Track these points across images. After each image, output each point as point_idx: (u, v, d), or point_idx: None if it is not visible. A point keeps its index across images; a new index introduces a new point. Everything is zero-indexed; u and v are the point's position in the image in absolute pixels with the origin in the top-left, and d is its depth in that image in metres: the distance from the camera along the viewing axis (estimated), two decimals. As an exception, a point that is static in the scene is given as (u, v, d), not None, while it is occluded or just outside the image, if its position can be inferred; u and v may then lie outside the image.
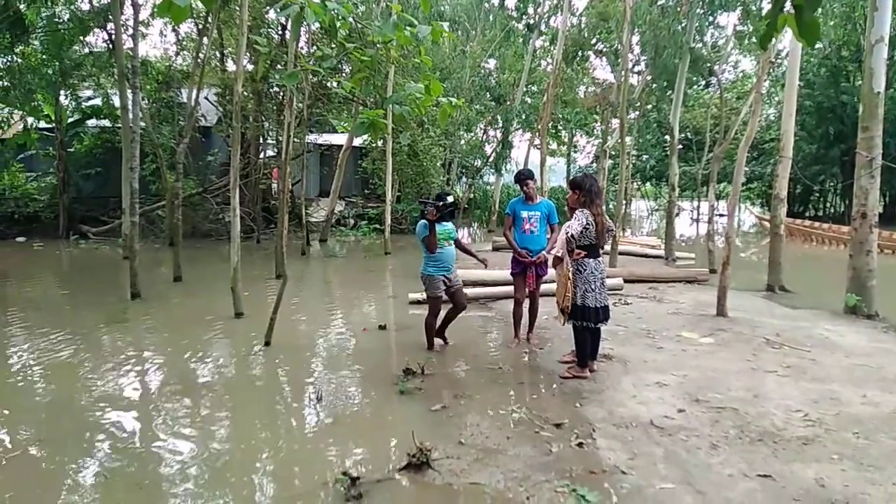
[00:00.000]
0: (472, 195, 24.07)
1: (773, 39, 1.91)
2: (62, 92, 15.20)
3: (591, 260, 4.95)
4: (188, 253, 11.23)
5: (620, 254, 11.44)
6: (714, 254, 11.34)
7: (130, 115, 9.04)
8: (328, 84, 14.04)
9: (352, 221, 18.53)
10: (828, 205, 27.09)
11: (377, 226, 16.65)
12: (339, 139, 18.89)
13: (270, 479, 3.62)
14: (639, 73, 21.34)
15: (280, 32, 13.96)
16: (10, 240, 14.06)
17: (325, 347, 6.39)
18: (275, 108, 14.66)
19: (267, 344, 6.17)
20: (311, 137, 17.61)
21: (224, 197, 14.66)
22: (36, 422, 4.44)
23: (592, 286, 4.92)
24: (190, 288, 9.38)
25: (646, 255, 13.02)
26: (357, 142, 16.94)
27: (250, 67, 13.35)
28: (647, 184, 33.68)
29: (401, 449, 3.71)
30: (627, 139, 22.89)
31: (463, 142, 23.79)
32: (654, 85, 20.01)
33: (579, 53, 22.60)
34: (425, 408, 4.47)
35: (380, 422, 4.37)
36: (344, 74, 14.39)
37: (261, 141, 15.99)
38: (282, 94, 14.20)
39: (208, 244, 13.95)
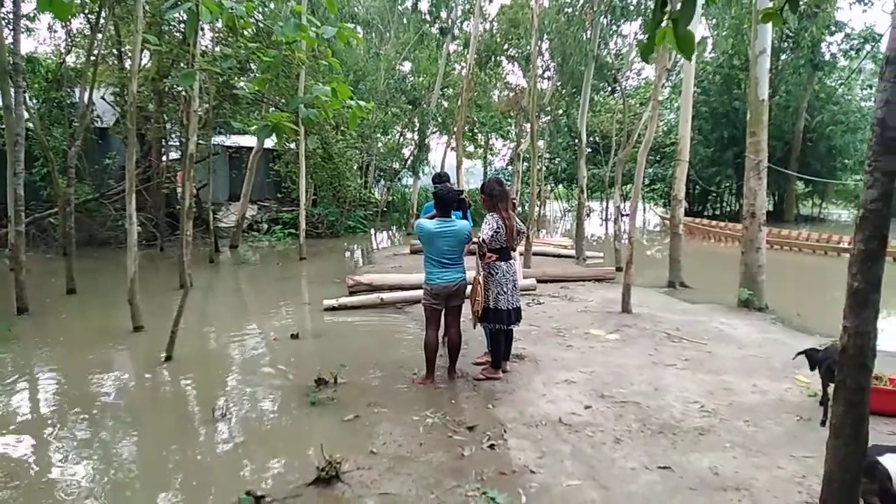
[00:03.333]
0: (390, 198, 23.97)
1: (655, 51, 1.99)
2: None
3: (503, 263, 5.02)
4: (84, 263, 10.48)
5: (535, 254, 11.73)
6: (620, 252, 11.86)
7: (14, 116, 8.31)
8: (234, 84, 13.53)
9: (265, 226, 17.95)
10: (724, 204, 29.05)
11: (292, 230, 16.22)
12: (249, 141, 18.27)
13: (174, 501, 3.42)
14: (549, 78, 22.01)
15: (182, 30, 13.32)
16: None
17: (234, 360, 6.13)
18: (178, 108, 13.96)
19: (168, 358, 5.84)
20: (219, 139, 16.92)
21: (123, 203, 13.79)
22: None
23: (504, 289, 5.00)
24: (85, 301, 8.74)
25: (559, 256, 13.43)
26: (268, 144, 16.44)
27: (149, 65, 12.65)
28: (560, 186, 34.83)
29: (307, 464, 3.60)
30: (540, 143, 23.60)
31: (380, 144, 23.67)
32: (564, 90, 20.71)
33: (492, 58, 23.06)
34: (337, 418, 4.37)
35: (290, 436, 4.24)
36: (253, 75, 13.94)
37: (163, 143, 15.17)
38: (186, 93, 13.56)
39: (106, 253, 13.07)
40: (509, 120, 26.70)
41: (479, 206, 5.56)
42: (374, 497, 3.28)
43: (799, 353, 4.54)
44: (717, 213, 28.01)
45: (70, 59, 15.34)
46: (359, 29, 20.22)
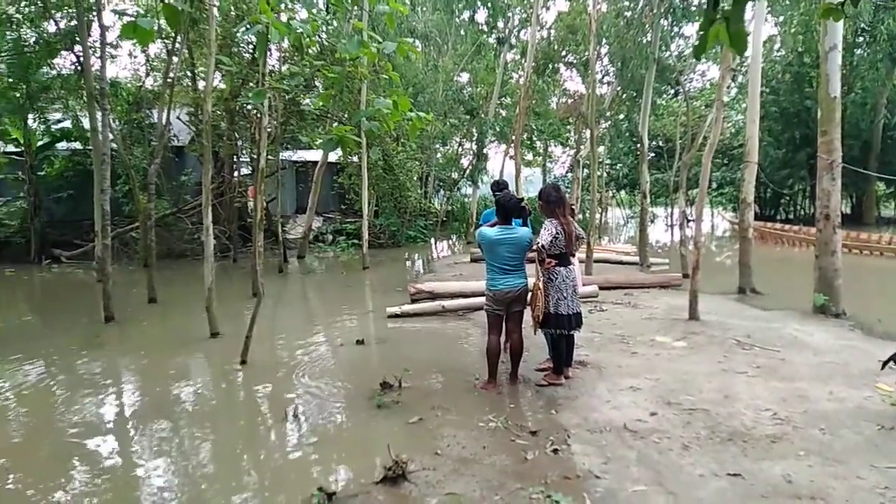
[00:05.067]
0: (449, 208, 24.19)
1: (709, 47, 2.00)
2: (30, 115, 15.00)
3: (562, 268, 5.03)
4: (163, 274, 11.11)
5: (596, 261, 11.58)
6: (687, 259, 11.52)
7: (101, 137, 8.96)
8: (301, 101, 14.05)
9: (330, 237, 18.49)
10: (798, 207, 27.70)
11: (355, 241, 16.63)
12: (315, 155, 18.89)
13: (249, 497, 3.60)
14: (608, 83, 21.70)
15: (251, 51, 13.99)
16: (-21, 266, 13.79)
17: (303, 364, 6.34)
18: (248, 126, 14.63)
19: (243, 363, 6.14)
20: (286, 154, 17.58)
21: (199, 217, 14.53)
22: (12, 450, 4.36)
23: (564, 294, 4.99)
24: (165, 309, 9.28)
25: (621, 262, 13.20)
26: (332, 157, 16.96)
27: (222, 86, 13.32)
28: (622, 192, 34.15)
29: (375, 463, 3.72)
30: (600, 148, 23.29)
31: (439, 155, 23.95)
32: (624, 94, 20.37)
33: (550, 65, 22.94)
34: (402, 421, 4.48)
35: (357, 437, 4.38)
36: (316, 91, 14.44)
37: (235, 159, 15.91)
38: (255, 112, 14.20)
39: (183, 264, 13.80)
40: (568, 127, 26.48)
41: (538, 214, 5.58)
42: (439, 496, 3.35)
43: (888, 360, 4.33)
44: (791, 216, 26.74)
45: (148, 83, 16.37)
46: (417, 42, 20.60)
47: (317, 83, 12.73)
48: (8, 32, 13.01)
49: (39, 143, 15.80)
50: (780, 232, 19.00)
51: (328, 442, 4.31)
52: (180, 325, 8.11)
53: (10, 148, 15.73)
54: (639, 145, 16.95)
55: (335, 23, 14.38)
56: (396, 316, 8.29)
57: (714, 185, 26.70)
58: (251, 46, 12.92)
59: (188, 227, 15.04)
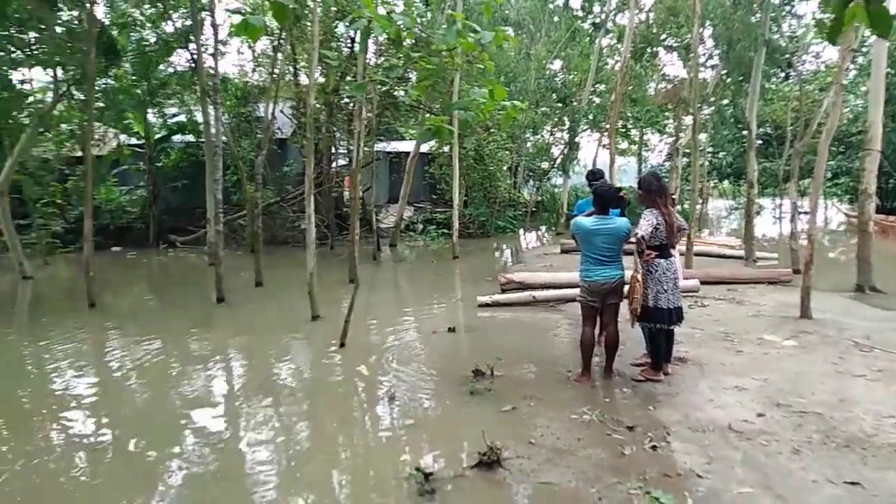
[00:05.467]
0: (539, 198, 23.91)
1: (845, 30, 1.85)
2: (150, 110, 16.27)
3: (663, 260, 4.86)
4: (267, 259, 11.74)
5: (697, 255, 11.07)
6: (797, 253, 10.77)
7: (213, 130, 9.59)
8: (395, 93, 14.35)
9: (420, 226, 18.82)
10: (926, 200, 25.07)
11: (445, 230, 16.83)
12: (407, 146, 19.25)
13: (347, 473, 3.79)
14: (712, 67, 20.55)
15: (349, 45, 14.43)
16: (106, 250, 15.11)
17: (397, 349, 6.53)
18: (345, 118, 15.13)
19: (342, 346, 6.41)
20: (380, 145, 18.03)
21: (300, 206, 15.24)
22: (131, 418, 4.81)
23: (664, 287, 4.83)
24: (270, 292, 9.83)
25: (724, 256, 12.53)
26: (424, 148, 17.21)
27: (322, 80, 13.84)
28: (725, 182, 32.25)
29: (471, 448, 3.78)
30: (702, 136, 22.12)
31: (529, 144, 23.68)
32: (729, 79, 19.22)
33: (648, 50, 22.03)
34: (495, 408, 4.52)
35: (450, 422, 4.47)
36: (410, 83, 14.69)
37: (332, 150, 16.52)
38: (352, 104, 14.65)
39: (286, 251, 14.53)
40: (666, 114, 25.34)
41: (635, 204, 5.42)
42: (534, 485, 3.37)
43: None
44: (919, 209, 24.24)
45: (254, 78, 17.27)
46: (509, 30, 20.42)
47: (411, 75, 12.95)
48: (132, 34, 14.14)
49: (157, 136, 17.13)
50: (905, 226, 17.31)
51: (423, 425, 4.43)
52: (284, 308, 8.56)
53: (133, 140, 17.15)
54: (745, 132, 15.99)
55: (429, 14, 14.54)
56: (487, 305, 8.34)
57: (828, 175, 24.68)
58: (350, 41, 13.34)
59: (290, 215, 15.81)
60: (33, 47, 11.21)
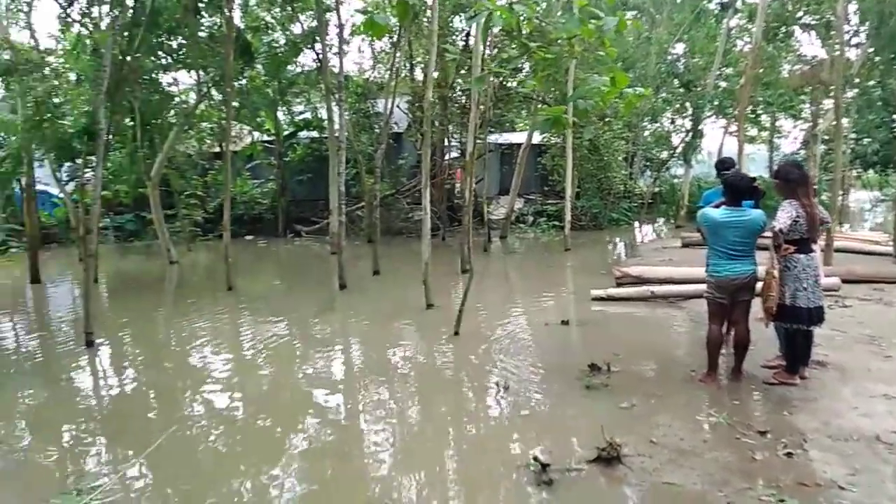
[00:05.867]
0: (656, 189, 22.87)
1: None
2: (279, 108, 17.41)
3: (802, 255, 4.50)
4: (384, 249, 12.19)
5: (838, 251, 10.10)
6: (962, 251, 9.54)
7: (336, 126, 10.09)
8: (508, 84, 14.31)
9: (531, 218, 18.67)
10: None
11: (556, 223, 16.58)
12: (518, 137, 19.13)
13: (461, 458, 3.89)
14: (857, 45, 18.55)
15: (464, 39, 14.56)
16: (240, 238, 16.42)
17: (509, 339, 6.55)
18: (458, 111, 15.30)
19: (456, 334, 6.54)
20: (492, 137, 18.07)
21: (414, 197, 15.68)
22: (261, 395, 5.23)
23: (804, 284, 4.47)
24: (386, 280, 10.23)
25: (870, 252, 11.34)
26: (536, 139, 17.02)
27: (437, 74, 14.09)
28: (870, 171, 29.08)
29: (587, 443, 3.71)
30: (844, 121, 20.06)
31: (647, 133, 22.68)
32: (878, 58, 17.28)
33: (782, 29, 20.27)
34: (612, 404, 4.43)
35: (565, 415, 4.44)
36: (523, 73, 14.56)
37: (445, 143, 16.79)
38: (464, 97, 14.79)
39: (400, 241, 15.02)
40: (802, 97, 23.23)
41: (772, 194, 5.04)
42: (656, 484, 3.28)
43: None
44: None
45: (372, 75, 17.94)
46: (628, 15, 19.62)
47: (524, 65, 12.84)
48: (264, 37, 15.17)
49: (286, 132, 18.30)
50: None
51: (538, 416, 4.43)
52: (400, 296, 8.87)
53: (265, 137, 18.46)
54: (895, 116, 14.33)
55: (545, 3, 14.32)
56: (601, 299, 8.14)
57: None
58: (465, 34, 13.46)
59: (404, 206, 16.31)
60: (179, 52, 12.35)
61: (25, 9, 13.43)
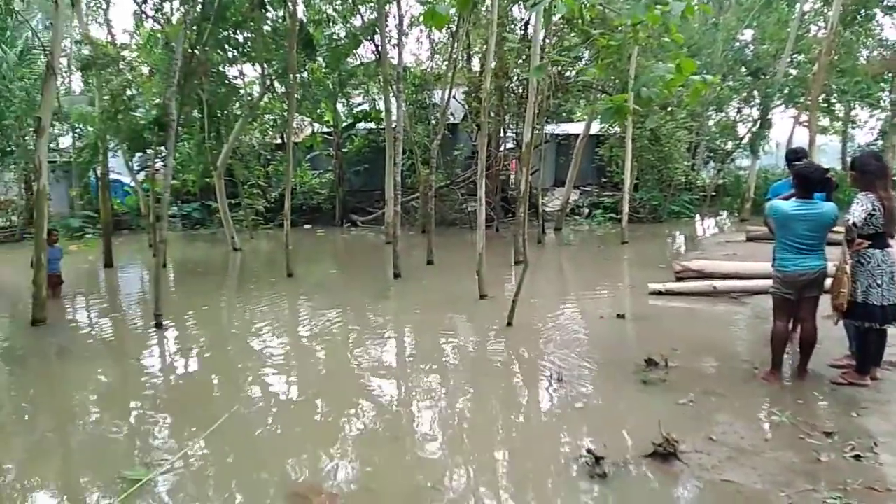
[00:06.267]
0: (720, 181, 22.07)
1: None
2: (339, 100, 17.74)
3: (878, 251, 4.27)
4: (438, 239, 12.28)
5: (915, 247, 9.53)
6: None
7: (394, 117, 10.19)
8: (567, 73, 14.09)
9: (586, 210, 18.39)
10: None
11: (613, 215, 16.27)
12: (575, 128, 18.83)
13: (512, 449, 3.90)
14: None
15: (523, 27, 14.42)
16: (299, 227, 16.87)
17: (563, 332, 6.51)
18: (515, 101, 15.19)
19: (509, 325, 6.54)
20: (549, 127, 17.86)
21: (468, 188, 15.70)
22: (317, 380, 5.39)
23: (878, 281, 4.25)
24: (440, 270, 10.31)
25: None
26: (594, 129, 16.72)
27: (493, 64, 14.03)
28: (956, 163, 27.19)
29: (643, 438, 3.64)
30: (928, 109, 18.78)
31: (711, 123, 21.89)
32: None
33: (862, 12, 19.13)
34: (670, 400, 4.34)
35: (620, 409, 4.39)
36: (583, 62, 14.31)
37: (501, 134, 16.71)
38: (521, 88, 14.66)
39: (454, 232, 15.10)
40: (882, 85, 21.87)
41: (845, 187, 4.81)
42: (714, 482, 3.21)
43: None
44: None
45: (429, 66, 18.02)
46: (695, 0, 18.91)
47: (585, 54, 12.61)
48: (325, 30, 15.48)
49: (344, 123, 18.63)
50: None
51: (592, 410, 4.40)
52: (453, 286, 8.93)
53: (324, 129, 18.85)
54: None
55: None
56: (659, 293, 7.97)
57: None
58: (524, 23, 13.32)
59: (459, 197, 16.35)
60: (245, 46, 12.75)
61: (103, 6, 14.15)
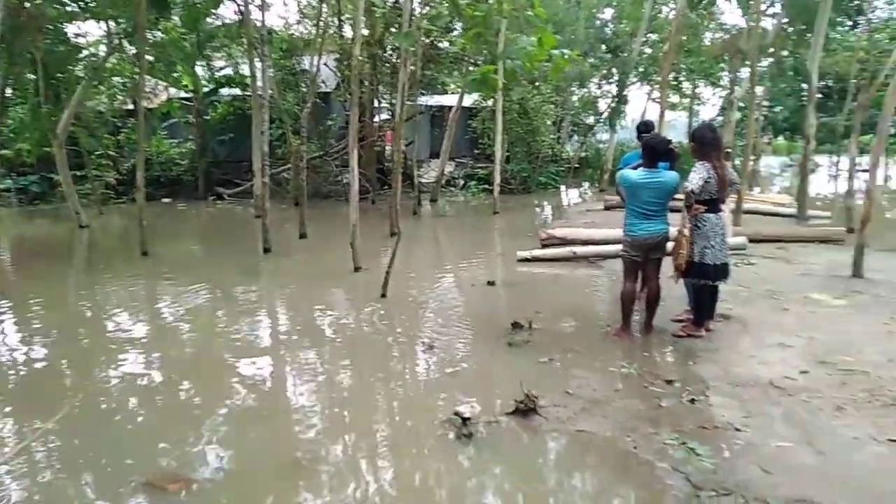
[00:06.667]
0: (583, 154, 23.40)
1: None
2: (198, 63, 16.47)
3: (712, 215, 4.75)
4: (311, 212, 11.93)
5: (746, 212, 10.73)
6: (852, 212, 10.32)
7: (259, 83, 9.66)
8: (439, 44, 14.10)
9: (461, 182, 18.74)
10: None
11: (486, 186, 16.73)
12: (449, 100, 19.01)
13: (386, 417, 3.93)
14: (773, 15, 19.40)
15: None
16: (157, 201, 15.62)
17: (436, 301, 6.63)
18: (388, 71, 15.00)
19: (383, 296, 6.53)
20: (423, 99, 17.86)
21: (342, 160, 15.32)
22: (183, 361, 5.06)
23: (712, 242, 4.73)
24: (313, 244, 10.05)
25: (775, 214, 12.12)
26: (467, 102, 16.98)
27: (366, 32, 13.70)
28: (780, 137, 30.90)
29: (508, 397, 3.81)
30: (758, 89, 21.05)
31: (575, 98, 23.05)
32: (791, 28, 18.14)
33: (705, -3, 20.87)
34: (533, 360, 4.58)
35: (488, 372, 4.56)
36: (455, 33, 14.40)
37: (375, 104, 16.46)
38: (395, 57, 14.49)
39: (328, 204, 14.74)
40: (721, 65, 24.18)
41: (686, 159, 5.27)
42: (569, 432, 3.44)
43: None
44: None
45: (298, 30, 17.20)
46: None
47: (456, 25, 12.67)
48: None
49: (205, 89, 17.37)
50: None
51: (462, 374, 4.53)
52: (327, 259, 8.76)
53: (182, 94, 17.46)
54: (804, 85, 15.19)
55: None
56: (526, 260, 8.34)
57: (893, 132, 23.33)
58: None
59: (333, 169, 15.94)
60: (87, 0, 11.41)
61: None
